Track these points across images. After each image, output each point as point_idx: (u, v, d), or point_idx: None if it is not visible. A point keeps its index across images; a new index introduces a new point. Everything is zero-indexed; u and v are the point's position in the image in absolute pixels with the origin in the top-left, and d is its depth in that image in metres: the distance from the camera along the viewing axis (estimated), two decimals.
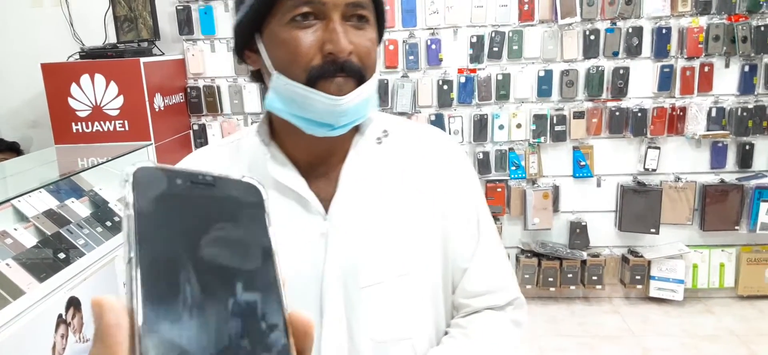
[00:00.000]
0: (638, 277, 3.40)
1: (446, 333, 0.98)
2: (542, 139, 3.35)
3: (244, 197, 0.37)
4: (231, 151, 0.97)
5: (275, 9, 0.82)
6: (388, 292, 0.89)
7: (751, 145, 3.31)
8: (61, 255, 2.14)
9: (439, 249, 0.94)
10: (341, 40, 0.79)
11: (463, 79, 3.33)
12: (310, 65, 0.80)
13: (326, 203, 0.89)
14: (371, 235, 0.89)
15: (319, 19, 0.81)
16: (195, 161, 0.99)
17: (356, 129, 0.93)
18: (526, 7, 3.23)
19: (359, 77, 0.82)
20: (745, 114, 3.23)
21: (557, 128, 3.34)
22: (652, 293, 3.44)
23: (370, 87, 0.85)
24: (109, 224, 2.47)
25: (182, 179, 0.35)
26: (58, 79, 3.01)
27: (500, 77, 3.32)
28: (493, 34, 3.26)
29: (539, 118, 3.34)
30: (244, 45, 0.88)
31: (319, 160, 0.91)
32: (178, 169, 0.35)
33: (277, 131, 0.93)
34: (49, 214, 2.25)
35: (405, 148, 0.96)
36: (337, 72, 0.80)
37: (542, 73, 3.30)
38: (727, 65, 3.25)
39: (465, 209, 0.97)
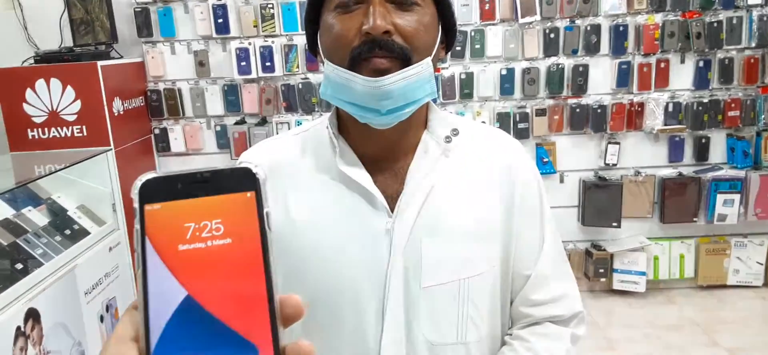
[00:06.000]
0: (602, 270, 3.46)
1: (505, 342, 0.96)
2: None
3: (239, 185, 0.39)
4: (303, 142, 0.96)
5: (326, 1, 0.84)
6: (448, 294, 0.87)
7: (707, 139, 3.41)
8: (19, 266, 2.08)
9: (502, 254, 0.92)
10: (376, 17, 0.78)
11: None
12: (351, 47, 0.81)
13: (392, 199, 0.88)
14: (436, 235, 0.87)
15: (362, 4, 0.81)
16: (267, 150, 0.97)
17: (425, 126, 0.92)
18: (487, 7, 3.27)
19: (403, 58, 0.80)
20: (700, 108, 3.32)
21: (520, 126, 3.39)
22: (616, 286, 3.51)
23: (416, 69, 0.82)
24: (68, 232, 2.41)
25: (182, 182, 0.39)
26: (12, 84, 2.92)
27: (464, 76, 3.35)
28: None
29: (503, 116, 3.38)
30: (313, 42, 0.90)
31: (385, 155, 0.90)
32: (178, 174, 0.39)
33: (344, 124, 0.92)
34: (5, 223, 2.19)
35: (474, 149, 0.94)
36: (375, 51, 0.79)
37: (504, 72, 3.34)
38: (682, 61, 3.34)
39: (531, 215, 0.95)
